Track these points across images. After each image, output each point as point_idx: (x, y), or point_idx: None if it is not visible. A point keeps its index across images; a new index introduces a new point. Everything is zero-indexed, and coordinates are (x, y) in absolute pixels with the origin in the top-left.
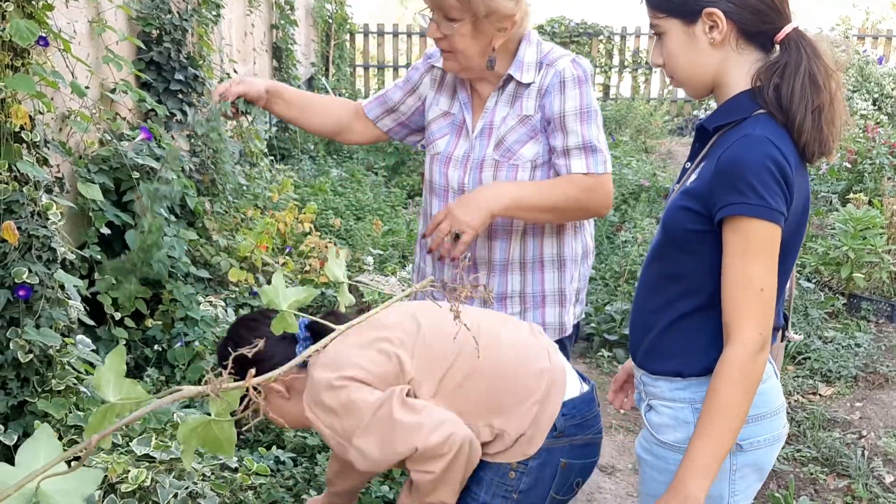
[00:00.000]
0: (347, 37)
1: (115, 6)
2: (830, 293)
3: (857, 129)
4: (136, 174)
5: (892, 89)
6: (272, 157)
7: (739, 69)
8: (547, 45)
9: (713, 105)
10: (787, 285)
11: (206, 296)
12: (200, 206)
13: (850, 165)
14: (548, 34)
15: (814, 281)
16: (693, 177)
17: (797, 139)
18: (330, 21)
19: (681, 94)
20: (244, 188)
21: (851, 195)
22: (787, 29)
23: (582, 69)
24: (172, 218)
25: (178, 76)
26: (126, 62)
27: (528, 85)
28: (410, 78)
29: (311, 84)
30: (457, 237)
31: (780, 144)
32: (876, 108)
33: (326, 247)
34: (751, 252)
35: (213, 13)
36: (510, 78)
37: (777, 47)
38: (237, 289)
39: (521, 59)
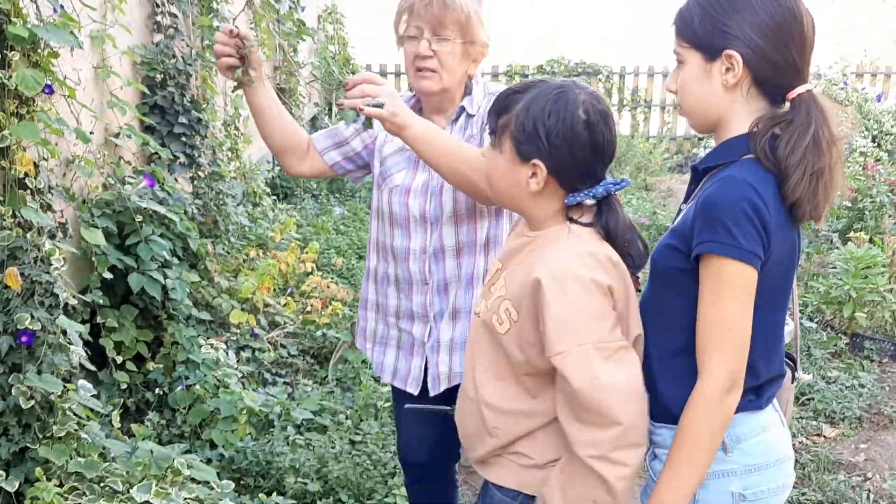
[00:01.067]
0: (349, 77)
1: (119, 52)
2: (833, 333)
3: (857, 166)
4: (139, 218)
5: (892, 126)
6: (275, 197)
7: (743, 115)
8: (492, 85)
9: (712, 144)
10: (791, 329)
11: (208, 338)
12: (203, 248)
13: (849, 203)
14: (548, 73)
15: (816, 320)
16: (680, 216)
17: (788, 195)
18: (333, 61)
19: (680, 131)
20: (246, 229)
21: (852, 233)
22: (800, 89)
23: None
24: (175, 260)
25: (182, 119)
26: (130, 107)
27: (473, 115)
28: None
29: (314, 124)
30: (376, 106)
31: (760, 189)
32: (875, 145)
33: (328, 286)
34: (722, 291)
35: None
36: (462, 110)
37: (787, 104)
38: (238, 330)
39: (472, 94)
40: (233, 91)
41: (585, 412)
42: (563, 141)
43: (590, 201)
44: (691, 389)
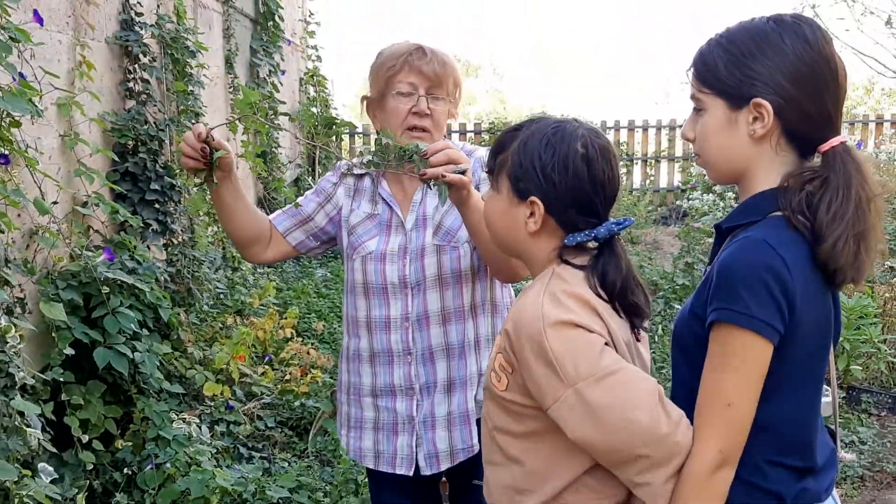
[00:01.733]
0: (333, 137)
1: (88, 119)
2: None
3: None
4: (106, 289)
5: (873, 174)
6: None
7: (770, 168)
8: (458, 143)
9: (697, 195)
10: (829, 401)
11: (181, 412)
12: (174, 317)
13: None
14: None
15: None
16: (703, 280)
17: (828, 260)
18: (316, 123)
19: (663, 183)
20: (222, 296)
21: None
22: (834, 141)
23: None
24: (145, 332)
25: (155, 185)
26: (98, 174)
27: None
28: (324, 188)
29: (297, 184)
30: (461, 172)
31: (782, 251)
32: None
33: (308, 353)
34: (726, 363)
35: (192, 121)
36: None
37: (818, 157)
38: (213, 403)
39: None
40: (194, 187)
41: (603, 456)
42: (561, 176)
43: (591, 243)
44: None
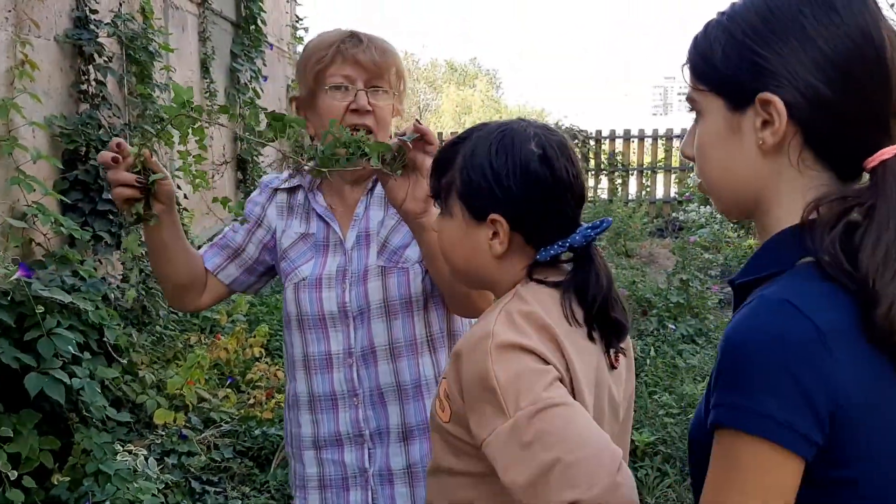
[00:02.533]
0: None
1: (28, 123)
2: None
3: None
4: (40, 308)
5: None
6: None
7: (795, 195)
8: None
9: (693, 208)
10: None
11: (128, 442)
12: (124, 338)
13: None
14: None
15: None
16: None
17: (884, 326)
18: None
19: (659, 193)
20: (178, 316)
21: None
22: (885, 153)
23: None
24: (87, 355)
25: (108, 195)
26: (39, 183)
27: None
28: (251, 212)
29: None
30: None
31: (816, 314)
32: None
33: (275, 375)
34: (731, 479)
35: (157, 127)
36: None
37: (866, 176)
38: (164, 432)
39: None
40: (129, 225)
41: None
42: (520, 183)
43: (565, 254)
44: None
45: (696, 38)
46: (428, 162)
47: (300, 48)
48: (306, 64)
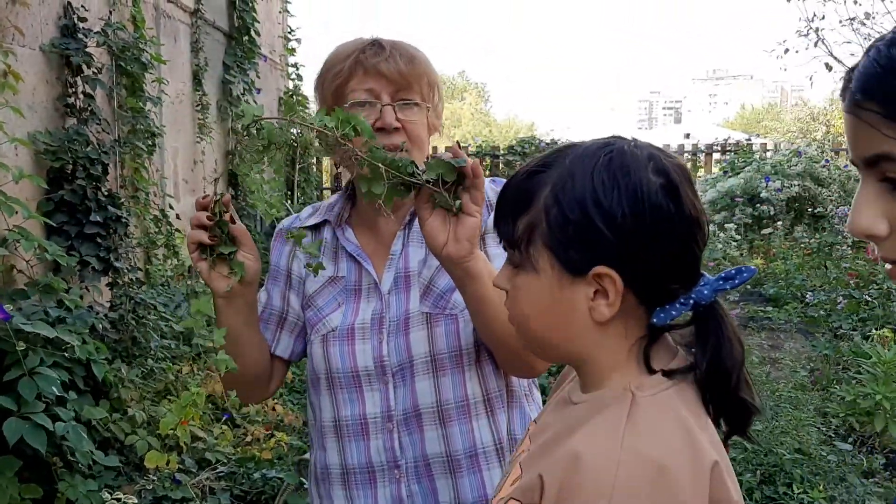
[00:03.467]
0: (314, 160)
1: (10, 140)
2: (865, 450)
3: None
4: (21, 345)
5: None
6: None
7: None
8: None
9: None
10: None
11: (117, 488)
12: (111, 374)
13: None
14: (518, 154)
15: (850, 440)
16: None
17: None
18: (295, 145)
19: None
20: (174, 343)
21: (874, 331)
22: None
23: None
24: (72, 395)
25: (96, 217)
26: (22, 205)
27: None
28: (278, 266)
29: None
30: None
31: None
32: None
33: (273, 409)
34: None
35: (149, 142)
36: None
37: None
38: (156, 476)
39: None
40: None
41: None
42: (640, 223)
43: (684, 316)
44: None
45: (871, 67)
46: (474, 196)
47: (292, 59)
48: (324, 79)
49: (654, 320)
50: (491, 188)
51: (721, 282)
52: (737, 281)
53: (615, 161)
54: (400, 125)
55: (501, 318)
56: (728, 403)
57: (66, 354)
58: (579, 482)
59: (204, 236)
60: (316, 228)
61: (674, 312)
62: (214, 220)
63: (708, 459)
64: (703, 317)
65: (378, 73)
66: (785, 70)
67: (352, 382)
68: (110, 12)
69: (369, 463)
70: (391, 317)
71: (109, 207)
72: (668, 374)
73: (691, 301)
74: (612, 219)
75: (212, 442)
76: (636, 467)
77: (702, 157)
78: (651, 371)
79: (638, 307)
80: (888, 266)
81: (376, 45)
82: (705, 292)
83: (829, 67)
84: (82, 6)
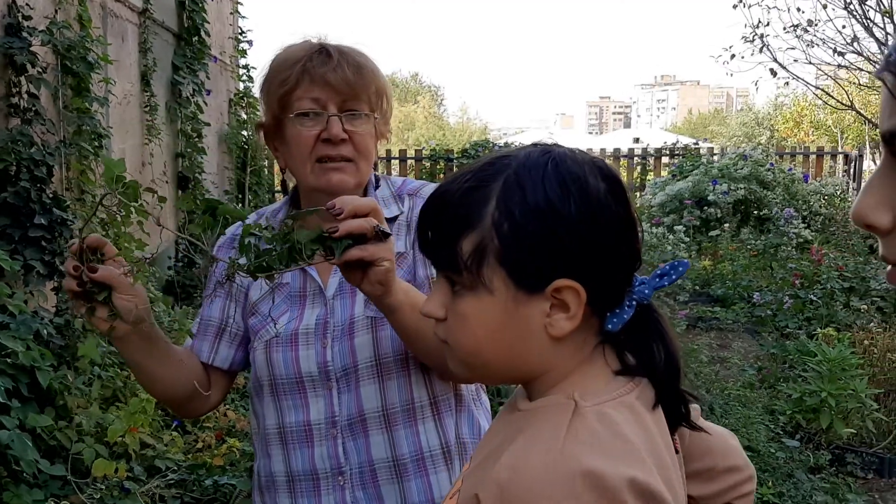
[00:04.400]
0: (266, 163)
1: None
2: (811, 446)
3: (792, 248)
4: None
5: (821, 207)
6: (172, 298)
7: None
8: (396, 178)
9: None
10: None
11: (64, 496)
12: (56, 381)
13: (801, 294)
14: (472, 158)
15: (797, 437)
16: None
17: None
18: (246, 147)
19: None
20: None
21: (819, 330)
22: None
23: None
24: (16, 402)
25: (40, 220)
26: None
27: (393, 220)
28: (220, 276)
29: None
30: (383, 235)
31: None
32: (805, 225)
33: (224, 414)
34: None
35: (95, 144)
36: None
37: None
38: (104, 485)
39: (374, 191)
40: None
41: None
42: (596, 230)
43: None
44: None
45: None
46: (359, 253)
47: (243, 61)
48: (269, 86)
49: (609, 326)
50: None
51: (658, 279)
52: (673, 276)
53: (562, 168)
54: (347, 136)
55: (430, 341)
56: (676, 396)
57: (10, 361)
58: (515, 494)
59: (73, 285)
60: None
61: (625, 316)
62: (80, 268)
63: (649, 470)
64: (645, 316)
65: (325, 82)
66: (731, 75)
67: (296, 388)
68: (56, 11)
69: (314, 470)
70: (336, 322)
71: (54, 210)
72: (631, 374)
73: (635, 302)
74: (571, 227)
75: (161, 449)
76: (562, 478)
77: (651, 160)
78: (618, 373)
79: (592, 316)
80: (889, 268)
81: (324, 52)
82: (646, 291)
83: (773, 73)
84: (27, 4)
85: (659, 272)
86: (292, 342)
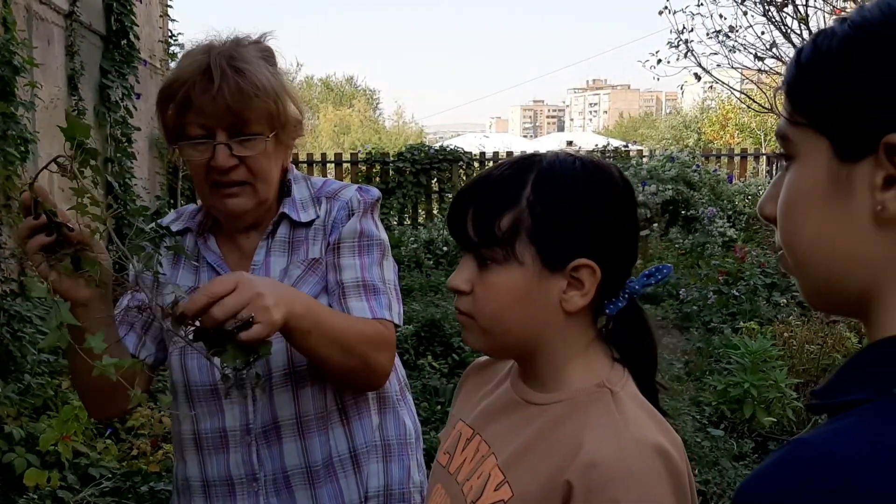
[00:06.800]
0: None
1: None
2: (735, 435)
3: (717, 247)
4: None
5: (745, 206)
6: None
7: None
8: (317, 179)
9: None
10: None
11: None
12: None
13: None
14: (408, 161)
15: (722, 426)
16: None
17: None
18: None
19: None
20: (49, 360)
21: (742, 324)
22: None
23: (370, 195)
24: None
25: None
26: None
27: (310, 224)
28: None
29: (157, 218)
30: (246, 325)
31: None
32: (730, 224)
33: (160, 421)
34: None
35: (21, 149)
36: (282, 218)
37: None
38: (36, 494)
39: (293, 194)
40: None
41: None
42: (615, 222)
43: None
44: None
45: (802, 52)
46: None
47: (173, 64)
48: (163, 109)
49: (608, 311)
50: (357, 197)
51: (646, 278)
52: (659, 276)
53: (588, 164)
54: (238, 161)
55: (324, 354)
56: (652, 384)
57: None
58: (604, 484)
59: (44, 238)
60: (180, 235)
61: (619, 304)
62: (47, 220)
63: (678, 436)
64: (633, 312)
65: (204, 111)
66: (658, 80)
67: (210, 396)
68: None
69: (228, 476)
70: None
71: None
72: (626, 363)
73: (627, 294)
74: (595, 214)
75: (95, 457)
76: (644, 457)
77: None
78: (614, 360)
79: (597, 301)
80: (782, 261)
81: (207, 75)
82: (636, 287)
83: (697, 77)
84: None
85: (646, 273)
86: None
